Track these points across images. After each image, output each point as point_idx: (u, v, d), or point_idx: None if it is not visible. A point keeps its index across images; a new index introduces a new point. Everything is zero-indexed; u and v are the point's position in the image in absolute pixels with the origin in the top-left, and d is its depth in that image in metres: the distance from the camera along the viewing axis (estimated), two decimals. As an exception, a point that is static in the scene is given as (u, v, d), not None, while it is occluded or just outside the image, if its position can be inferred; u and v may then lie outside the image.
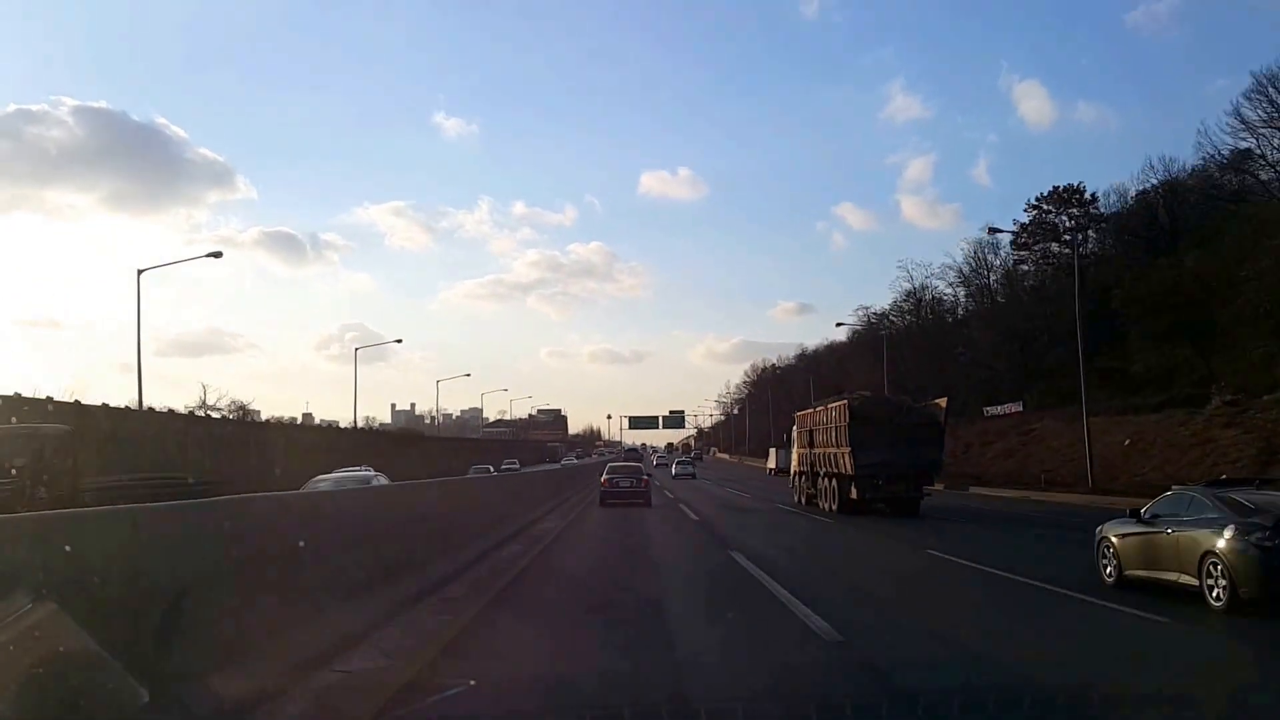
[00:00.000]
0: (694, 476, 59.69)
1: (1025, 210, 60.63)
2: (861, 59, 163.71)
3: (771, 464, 67.78)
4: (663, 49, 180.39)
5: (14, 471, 15.47)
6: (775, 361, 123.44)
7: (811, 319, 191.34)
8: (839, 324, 69.31)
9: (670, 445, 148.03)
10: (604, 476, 28.45)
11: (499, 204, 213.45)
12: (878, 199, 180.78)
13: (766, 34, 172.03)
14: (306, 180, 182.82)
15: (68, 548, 4.58)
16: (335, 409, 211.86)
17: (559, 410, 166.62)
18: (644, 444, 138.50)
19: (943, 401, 26.67)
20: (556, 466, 65.35)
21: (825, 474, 26.68)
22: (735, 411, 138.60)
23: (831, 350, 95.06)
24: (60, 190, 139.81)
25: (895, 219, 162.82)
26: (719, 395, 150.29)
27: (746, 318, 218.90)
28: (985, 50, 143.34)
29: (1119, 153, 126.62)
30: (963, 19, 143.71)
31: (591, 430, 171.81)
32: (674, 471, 65.15)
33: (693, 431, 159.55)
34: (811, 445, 27.93)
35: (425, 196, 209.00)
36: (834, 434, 25.58)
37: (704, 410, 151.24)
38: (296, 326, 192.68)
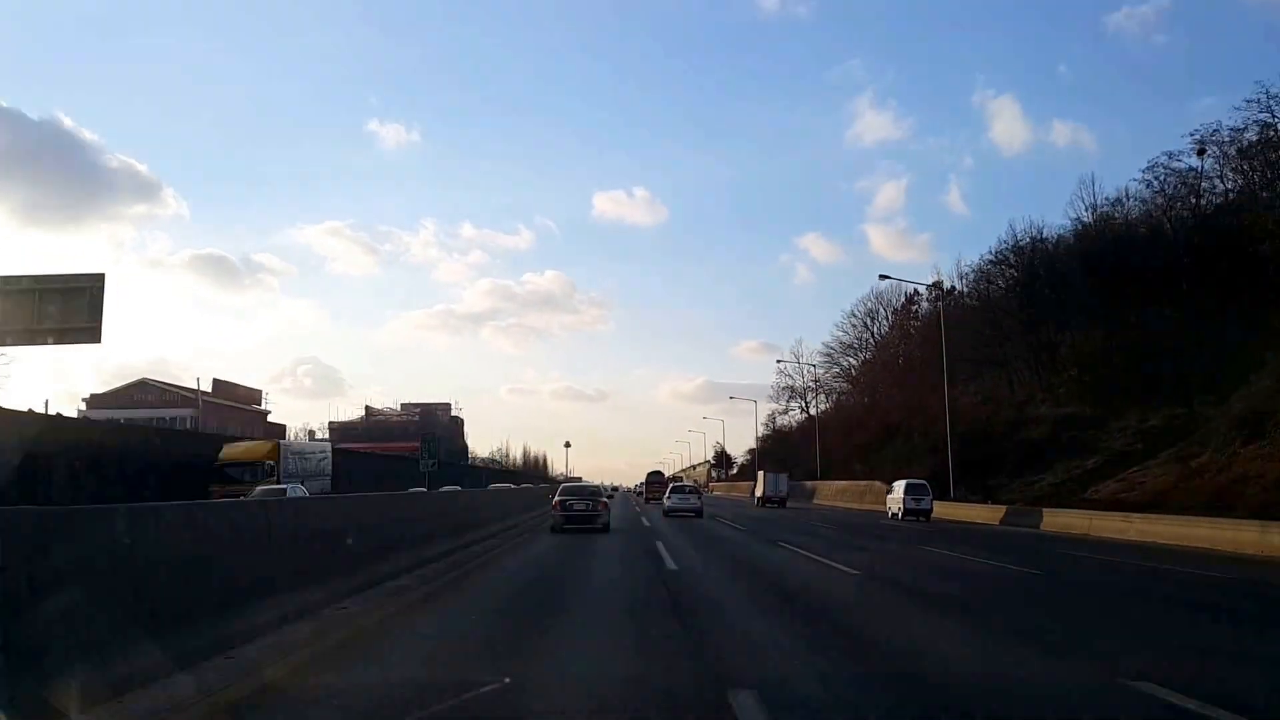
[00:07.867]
0: (699, 514, 37.46)
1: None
2: (829, 71, 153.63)
3: (759, 491, 59.64)
4: (609, 50, 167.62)
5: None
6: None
7: (775, 359, 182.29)
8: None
9: (654, 474, 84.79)
10: (555, 498, 26.77)
11: (446, 224, 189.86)
12: (844, 229, 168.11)
13: (723, 41, 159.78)
14: (236, 195, 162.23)
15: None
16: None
17: (447, 405, 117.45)
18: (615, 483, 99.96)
19: None
20: None
21: None
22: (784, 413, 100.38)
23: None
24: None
25: (863, 251, 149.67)
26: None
27: (709, 356, 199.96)
28: (959, 60, 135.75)
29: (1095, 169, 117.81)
30: (931, 21, 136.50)
31: (538, 457, 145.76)
32: (667, 505, 40.20)
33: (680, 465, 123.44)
34: None
35: (365, 215, 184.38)
36: None
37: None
38: (243, 359, 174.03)
